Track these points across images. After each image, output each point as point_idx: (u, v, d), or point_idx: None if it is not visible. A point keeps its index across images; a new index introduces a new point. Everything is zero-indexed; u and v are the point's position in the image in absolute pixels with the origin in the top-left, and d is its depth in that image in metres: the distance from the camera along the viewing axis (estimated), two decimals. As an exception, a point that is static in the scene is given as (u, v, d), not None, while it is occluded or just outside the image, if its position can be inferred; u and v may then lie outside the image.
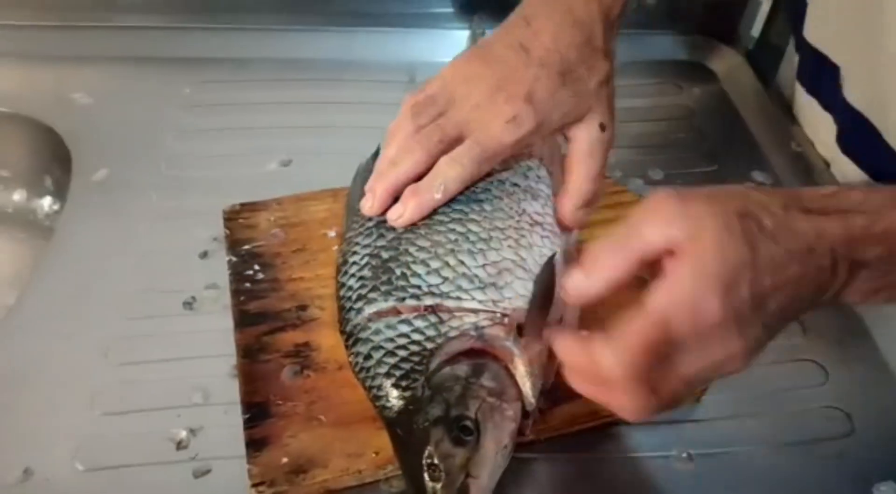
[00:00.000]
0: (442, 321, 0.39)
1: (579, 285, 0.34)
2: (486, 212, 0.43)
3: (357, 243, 0.44)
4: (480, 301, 0.40)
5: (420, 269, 0.41)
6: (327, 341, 0.46)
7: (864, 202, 0.32)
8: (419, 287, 0.40)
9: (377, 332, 0.40)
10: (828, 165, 0.64)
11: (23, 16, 0.71)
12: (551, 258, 0.41)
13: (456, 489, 0.36)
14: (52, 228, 0.58)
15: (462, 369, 0.39)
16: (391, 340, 0.39)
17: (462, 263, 0.41)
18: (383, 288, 0.41)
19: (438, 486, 0.36)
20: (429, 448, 0.36)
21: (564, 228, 0.45)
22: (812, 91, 0.64)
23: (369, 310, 0.41)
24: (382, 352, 0.39)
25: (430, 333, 0.39)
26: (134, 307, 0.49)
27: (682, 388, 0.32)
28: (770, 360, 0.49)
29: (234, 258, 0.51)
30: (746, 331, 0.31)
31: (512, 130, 0.41)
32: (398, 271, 0.41)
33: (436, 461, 0.36)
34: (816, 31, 0.60)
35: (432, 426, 0.37)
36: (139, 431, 0.43)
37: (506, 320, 0.40)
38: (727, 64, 0.77)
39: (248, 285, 0.49)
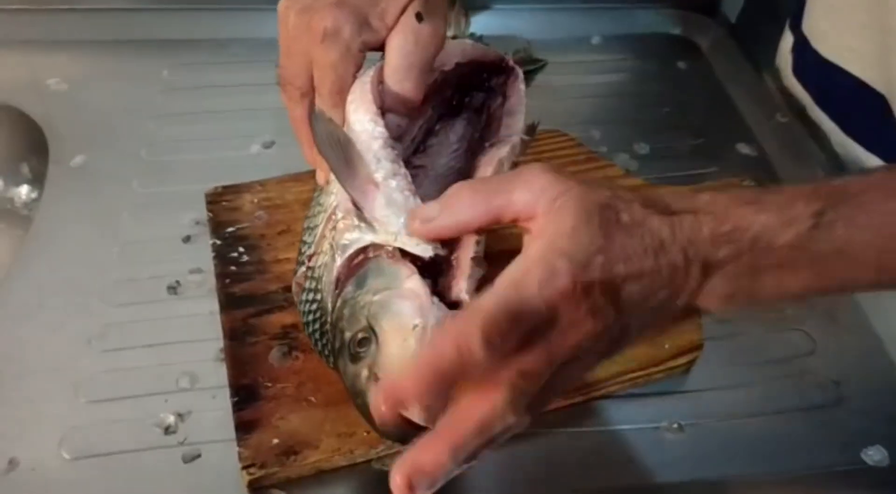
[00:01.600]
0: (312, 269, 0.39)
1: (429, 215, 0.33)
2: None
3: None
4: (314, 228, 0.39)
5: (304, 234, 0.41)
6: (315, 322, 0.45)
7: (711, 202, 0.32)
8: (302, 253, 0.41)
9: (301, 312, 0.40)
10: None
11: (-7, 0, 0.70)
12: (315, 116, 0.39)
13: (369, 401, 0.33)
14: (31, 216, 0.57)
15: (347, 291, 0.36)
16: (304, 313, 0.40)
17: (312, 213, 0.41)
18: (297, 261, 0.42)
19: (365, 410, 0.34)
20: (347, 381, 0.35)
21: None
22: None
23: (294, 286, 0.41)
24: (307, 327, 0.40)
25: (312, 285, 0.39)
26: (117, 294, 0.49)
27: (547, 372, 0.30)
28: (759, 330, 0.49)
29: (217, 241, 0.50)
30: (599, 315, 0.30)
31: (330, 45, 0.39)
32: (300, 245, 0.42)
33: (353, 389, 0.35)
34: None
35: (340, 359, 0.35)
36: (126, 417, 0.42)
37: (340, 213, 0.38)
38: (711, 37, 0.77)
39: (233, 267, 0.49)
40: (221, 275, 0.48)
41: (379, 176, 0.37)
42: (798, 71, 0.66)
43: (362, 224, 0.36)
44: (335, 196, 0.39)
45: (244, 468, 0.39)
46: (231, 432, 0.40)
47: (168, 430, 0.42)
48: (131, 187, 0.56)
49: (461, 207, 0.33)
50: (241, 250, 0.50)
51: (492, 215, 0.32)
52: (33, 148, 0.61)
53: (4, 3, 0.70)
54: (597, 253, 0.30)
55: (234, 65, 0.68)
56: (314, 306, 0.39)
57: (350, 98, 0.40)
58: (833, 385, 0.46)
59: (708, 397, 0.46)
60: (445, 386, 0.29)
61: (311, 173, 0.54)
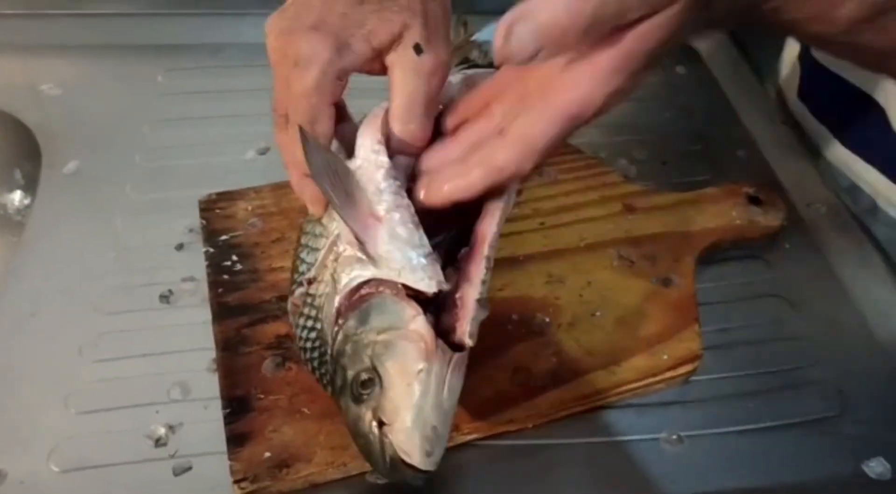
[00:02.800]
0: (312, 296, 0.38)
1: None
2: None
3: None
4: (314, 259, 0.38)
5: (299, 256, 0.40)
6: (309, 331, 0.45)
7: None
8: (301, 272, 0.39)
9: (296, 337, 0.39)
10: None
11: (-14, 4, 0.69)
12: (303, 135, 0.36)
13: (378, 447, 0.33)
14: (23, 223, 0.56)
15: (349, 326, 0.35)
16: (300, 337, 0.38)
17: (306, 238, 0.40)
18: (291, 284, 0.40)
19: (368, 454, 0.34)
20: (348, 421, 0.35)
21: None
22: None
23: (289, 308, 0.40)
24: (303, 351, 0.39)
25: (312, 314, 0.38)
26: (109, 302, 0.48)
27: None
28: (759, 341, 0.49)
29: (211, 249, 0.50)
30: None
31: (303, 73, 0.35)
32: (295, 266, 0.40)
33: (354, 431, 0.34)
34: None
35: (340, 397, 0.35)
36: (116, 429, 0.42)
37: (341, 245, 0.36)
38: (711, 43, 0.76)
39: (226, 276, 0.48)
40: (214, 284, 0.48)
41: (381, 209, 0.35)
42: (804, 87, 0.65)
43: (364, 258, 0.35)
44: (338, 223, 0.37)
45: (236, 482, 0.38)
46: (223, 444, 0.40)
47: (159, 442, 0.41)
48: (125, 194, 0.56)
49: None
50: (235, 258, 0.49)
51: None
52: (26, 154, 0.61)
53: (-2, 8, 0.69)
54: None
55: (230, 70, 0.67)
56: (313, 335, 0.38)
57: (360, 128, 0.39)
58: (835, 396, 0.46)
59: (708, 407, 0.45)
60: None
61: (306, 180, 0.54)
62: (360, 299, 0.35)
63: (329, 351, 0.36)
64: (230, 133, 0.61)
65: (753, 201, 0.55)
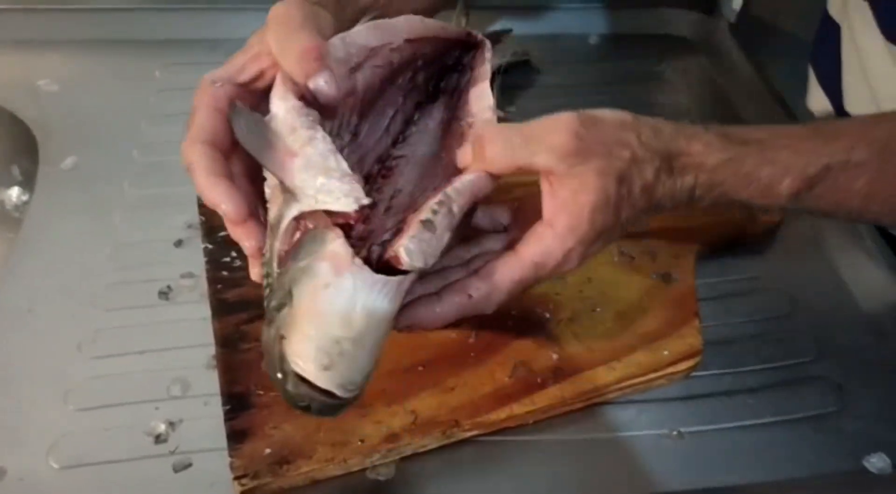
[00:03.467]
0: (265, 255, 0.36)
1: (463, 161, 0.38)
2: None
3: None
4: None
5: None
6: (309, 328, 0.45)
7: (710, 161, 0.38)
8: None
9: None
10: None
11: (-17, 0, 0.69)
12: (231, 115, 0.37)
13: (276, 359, 0.32)
14: (21, 219, 0.56)
15: (286, 267, 0.34)
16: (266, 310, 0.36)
17: None
18: None
19: (271, 371, 0.33)
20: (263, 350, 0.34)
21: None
22: None
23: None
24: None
25: (266, 271, 0.36)
26: (107, 299, 0.48)
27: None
28: (759, 336, 0.49)
29: (210, 246, 0.50)
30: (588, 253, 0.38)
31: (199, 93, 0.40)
32: None
33: (266, 356, 0.33)
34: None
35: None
36: (116, 425, 0.41)
37: (269, 203, 0.36)
38: (710, 37, 0.76)
39: (225, 272, 0.48)
40: (213, 280, 0.48)
41: (296, 146, 0.35)
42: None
43: (286, 195, 0.35)
44: (269, 178, 0.37)
45: (236, 478, 0.38)
46: (223, 440, 0.40)
47: (159, 439, 0.41)
48: (123, 190, 0.55)
49: (491, 156, 0.36)
50: (234, 254, 0.49)
51: (515, 169, 0.36)
52: (23, 150, 0.60)
53: (-6, 3, 0.69)
54: (605, 230, 0.37)
55: (228, 65, 0.67)
56: (267, 291, 0.35)
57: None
58: (835, 392, 0.46)
59: (708, 403, 0.45)
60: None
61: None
62: (296, 244, 0.34)
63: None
64: (229, 129, 0.60)
65: (753, 196, 0.55)
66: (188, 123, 0.39)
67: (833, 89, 0.62)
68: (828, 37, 0.61)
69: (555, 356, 0.44)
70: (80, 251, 0.51)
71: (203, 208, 0.52)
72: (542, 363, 0.44)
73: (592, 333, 0.46)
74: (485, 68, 0.44)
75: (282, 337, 0.32)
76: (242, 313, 0.46)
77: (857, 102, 0.59)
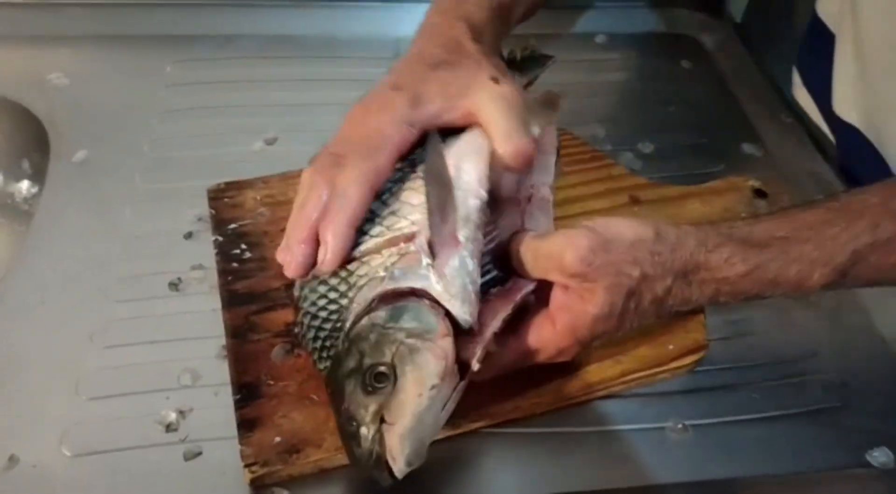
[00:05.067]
0: (350, 273, 0.39)
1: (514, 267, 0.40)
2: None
3: None
4: (376, 234, 0.39)
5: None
6: (318, 319, 0.45)
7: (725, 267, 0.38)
8: None
9: (304, 298, 0.40)
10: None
11: (-5, -6, 0.69)
12: (433, 140, 0.39)
13: (370, 438, 0.34)
14: (31, 212, 0.56)
15: (379, 316, 0.36)
16: (314, 303, 0.39)
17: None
18: None
19: (353, 442, 0.35)
20: (343, 403, 0.35)
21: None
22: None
23: (299, 280, 0.41)
24: (310, 316, 0.39)
25: (342, 288, 0.39)
26: (118, 290, 0.48)
27: None
28: (763, 330, 0.49)
29: (220, 238, 0.50)
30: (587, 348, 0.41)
31: (387, 119, 0.40)
32: None
33: (349, 414, 0.35)
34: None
35: (345, 379, 0.36)
36: (127, 414, 0.42)
37: (412, 245, 0.38)
38: (716, 37, 0.77)
39: (235, 264, 0.48)
40: (223, 272, 0.48)
41: (461, 235, 0.38)
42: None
43: (429, 272, 0.37)
44: (409, 223, 0.39)
45: (246, 466, 0.38)
46: (233, 429, 0.40)
47: (169, 427, 0.41)
48: (133, 183, 0.56)
49: (517, 267, 0.40)
50: (244, 246, 0.49)
51: (538, 277, 0.39)
52: (34, 143, 0.61)
53: (6, -2, 0.70)
54: (605, 332, 0.39)
55: (238, 61, 0.67)
56: (333, 307, 0.38)
57: (467, 146, 0.41)
58: (838, 387, 0.46)
59: (713, 397, 0.45)
60: None
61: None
62: (396, 296, 0.37)
63: (345, 329, 0.37)
64: (239, 124, 0.61)
65: (759, 194, 0.56)
66: (360, 150, 0.40)
67: (821, 93, 0.63)
68: (819, 44, 0.61)
69: (561, 350, 0.45)
70: (91, 244, 0.51)
71: (213, 202, 0.53)
72: (530, 364, 0.44)
73: (598, 327, 0.46)
74: (552, 135, 0.46)
75: (383, 420, 0.34)
76: (252, 304, 0.46)
77: (850, 108, 0.59)
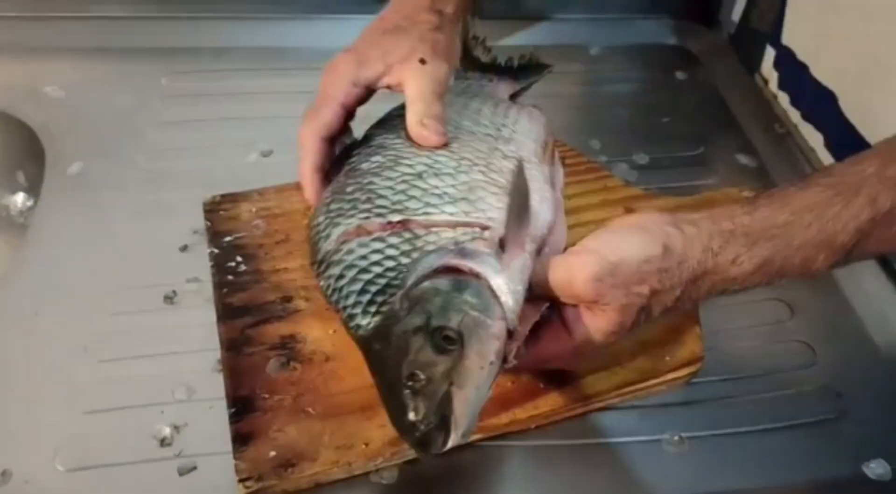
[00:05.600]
0: (417, 236, 0.39)
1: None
2: (455, 149, 0.44)
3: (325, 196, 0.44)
4: (452, 213, 0.40)
5: (385, 191, 0.41)
6: (313, 332, 0.45)
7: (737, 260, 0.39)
8: (384, 206, 0.40)
9: (349, 252, 0.39)
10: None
11: (-10, 7, 0.70)
12: (521, 168, 0.42)
13: (438, 398, 0.34)
14: (26, 224, 0.56)
15: (443, 283, 0.37)
16: (364, 257, 0.39)
17: (430, 184, 0.41)
18: (350, 212, 0.41)
19: (419, 398, 0.34)
20: (409, 357, 0.35)
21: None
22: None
23: (336, 233, 0.40)
24: (356, 270, 0.39)
25: (405, 247, 0.39)
26: (113, 303, 0.48)
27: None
28: (759, 342, 0.49)
29: (215, 250, 0.50)
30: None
31: (334, 78, 0.46)
32: (362, 197, 0.41)
33: (416, 370, 0.34)
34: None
35: (412, 335, 0.35)
36: (121, 429, 0.42)
37: (486, 233, 0.39)
38: (709, 48, 0.77)
39: (230, 277, 0.48)
40: (219, 284, 0.48)
41: (528, 247, 0.40)
42: (785, 86, 0.67)
43: (496, 261, 0.38)
44: (486, 217, 0.40)
45: (241, 480, 0.38)
46: (227, 444, 0.40)
47: (164, 442, 0.41)
48: (128, 196, 0.56)
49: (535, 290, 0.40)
50: (239, 259, 0.49)
51: (550, 299, 0.40)
52: (29, 155, 0.61)
53: (1, 10, 0.70)
54: (617, 342, 0.40)
55: (233, 73, 0.67)
56: (391, 263, 0.38)
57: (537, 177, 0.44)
58: (834, 398, 0.46)
59: (709, 409, 0.45)
60: None
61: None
62: (460, 270, 0.37)
63: (403, 286, 0.37)
64: (234, 136, 0.61)
65: (753, 204, 0.56)
66: (311, 107, 0.46)
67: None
68: (823, 102, 0.61)
69: (557, 362, 0.45)
70: (86, 256, 0.51)
71: (209, 214, 0.52)
72: (545, 369, 0.44)
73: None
74: (559, 173, 0.49)
75: (451, 383, 0.34)
76: (247, 317, 0.46)
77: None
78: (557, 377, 0.44)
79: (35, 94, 0.64)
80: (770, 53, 0.71)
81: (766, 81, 0.71)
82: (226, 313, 0.46)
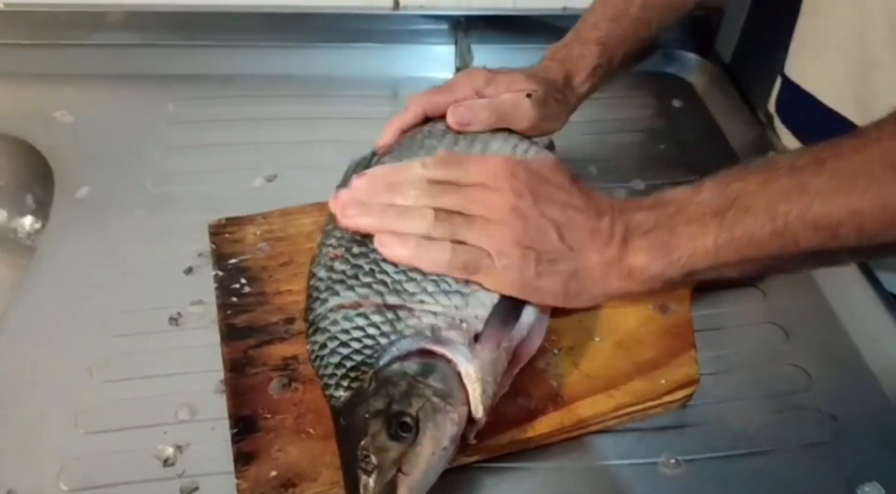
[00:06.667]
0: (399, 319, 0.41)
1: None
2: None
3: (333, 235, 0.45)
4: (443, 306, 0.41)
5: (388, 266, 0.42)
6: (315, 354, 0.46)
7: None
8: (385, 284, 0.42)
9: (335, 322, 0.41)
10: None
11: (1, 33, 0.71)
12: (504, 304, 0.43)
13: (385, 482, 0.36)
14: (34, 247, 0.57)
15: (411, 367, 0.39)
16: (346, 332, 0.41)
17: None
18: (350, 282, 0.42)
19: (370, 478, 0.36)
20: (365, 439, 0.37)
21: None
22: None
23: (333, 302, 0.42)
24: (337, 342, 0.40)
25: (385, 329, 0.40)
26: (118, 325, 0.49)
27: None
28: (755, 366, 0.50)
29: (220, 273, 0.51)
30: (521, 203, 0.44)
31: (465, 80, 0.53)
32: (367, 267, 0.43)
33: (370, 452, 0.36)
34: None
35: (372, 418, 0.37)
36: (125, 449, 0.42)
37: (464, 325, 0.41)
38: (705, 77, 0.79)
39: (234, 299, 0.49)
40: (223, 306, 0.49)
41: (504, 344, 0.42)
42: (784, 112, 0.68)
43: (469, 350, 0.40)
44: (473, 316, 0.42)
45: (242, 500, 0.39)
46: (229, 464, 0.40)
47: (167, 462, 0.42)
48: (135, 219, 0.57)
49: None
50: (243, 281, 0.50)
51: None
52: (38, 179, 0.62)
53: (12, 37, 0.72)
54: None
55: (239, 99, 0.69)
56: (370, 342, 0.40)
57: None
58: (829, 421, 0.47)
59: (705, 432, 0.46)
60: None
61: (314, 206, 0.55)
62: (429, 354, 0.40)
63: (377, 367, 0.39)
64: (239, 160, 0.62)
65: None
66: (444, 85, 0.53)
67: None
68: (830, 127, 0.62)
69: (554, 384, 0.45)
70: (93, 278, 0.52)
71: (214, 237, 0.53)
72: (542, 391, 0.45)
73: (591, 361, 0.47)
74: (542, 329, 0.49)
75: (400, 470, 0.36)
76: (250, 338, 0.47)
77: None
78: (553, 400, 0.44)
79: (45, 119, 0.65)
80: (768, 82, 0.72)
81: (766, 113, 0.73)
82: (229, 333, 0.47)
